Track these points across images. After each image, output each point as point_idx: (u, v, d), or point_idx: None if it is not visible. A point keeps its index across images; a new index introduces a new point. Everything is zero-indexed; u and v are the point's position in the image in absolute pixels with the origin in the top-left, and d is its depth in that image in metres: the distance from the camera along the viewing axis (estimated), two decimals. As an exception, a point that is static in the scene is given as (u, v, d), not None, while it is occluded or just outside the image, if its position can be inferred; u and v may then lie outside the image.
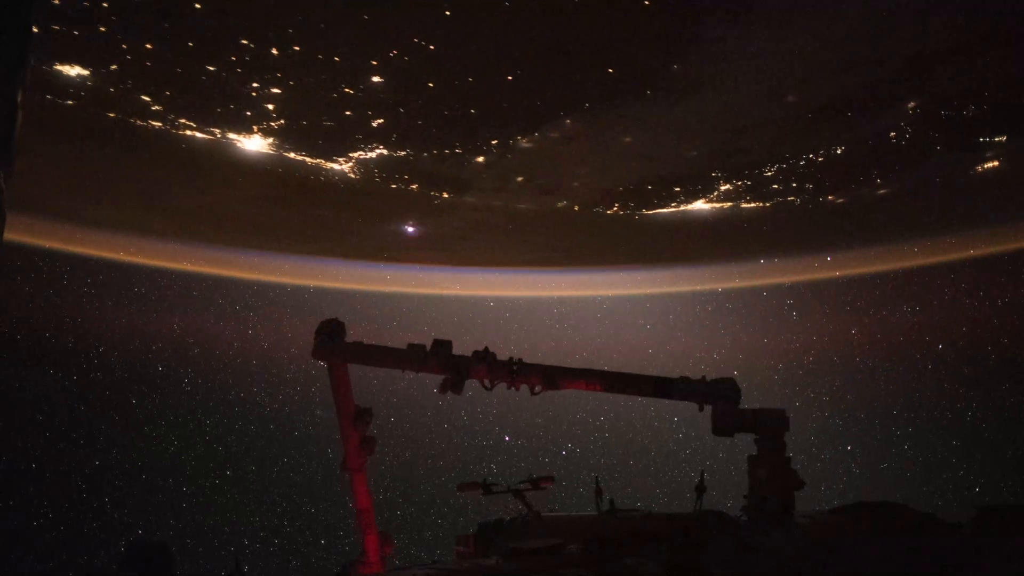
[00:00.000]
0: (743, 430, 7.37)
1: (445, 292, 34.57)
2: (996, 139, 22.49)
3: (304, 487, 28.99)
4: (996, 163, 23.85)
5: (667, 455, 31.58)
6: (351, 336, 8.16)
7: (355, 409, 8.45)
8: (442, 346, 7.76)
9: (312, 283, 33.55)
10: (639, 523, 7.34)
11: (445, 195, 24.76)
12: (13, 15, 4.53)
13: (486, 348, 7.76)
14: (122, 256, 30.20)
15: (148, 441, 28.70)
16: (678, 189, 25.03)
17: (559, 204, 26.17)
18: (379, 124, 19.63)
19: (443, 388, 7.69)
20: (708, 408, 7.48)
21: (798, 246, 32.16)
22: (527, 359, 7.83)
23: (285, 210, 26.55)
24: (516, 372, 7.65)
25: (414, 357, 7.80)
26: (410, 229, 28.41)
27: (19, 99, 4.91)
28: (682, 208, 26.41)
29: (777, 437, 7.29)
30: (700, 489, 7.48)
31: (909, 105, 19.86)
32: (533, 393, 7.77)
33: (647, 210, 26.62)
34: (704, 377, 7.59)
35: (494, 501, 7.85)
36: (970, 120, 20.75)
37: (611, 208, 26.53)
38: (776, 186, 24.96)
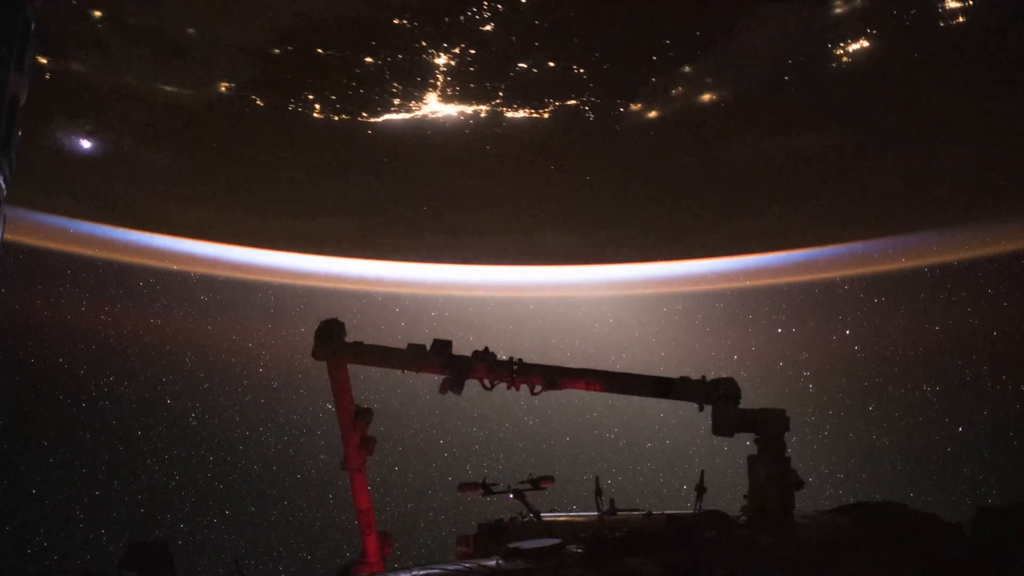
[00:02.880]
0: (743, 430, 7.37)
1: (444, 293, 34.36)
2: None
3: (302, 532, 28.82)
4: (864, 43, 16.40)
5: (667, 455, 31.50)
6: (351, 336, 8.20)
7: (355, 409, 8.49)
8: (442, 346, 7.79)
9: (319, 284, 33.44)
10: (639, 523, 7.34)
11: (41, 59, 18.18)
12: (12, 19, 4.55)
13: (486, 348, 7.78)
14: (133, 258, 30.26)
15: (150, 475, 28.63)
16: (372, 60, 18.07)
17: (222, 87, 19.86)
18: None
19: (443, 388, 7.71)
20: (708, 408, 7.49)
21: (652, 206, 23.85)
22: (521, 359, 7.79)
23: None
24: (516, 372, 7.66)
25: (414, 357, 7.82)
26: (84, 143, 22.57)
27: (20, 102, 4.93)
28: (419, 113, 19.87)
29: (777, 437, 7.30)
30: (700, 489, 7.48)
31: None
32: (533, 393, 7.78)
33: (368, 114, 20.09)
34: (704, 377, 7.60)
35: (494, 501, 7.85)
36: None
37: (311, 106, 19.79)
38: (524, 64, 17.73)
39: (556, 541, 6.62)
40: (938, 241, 28.44)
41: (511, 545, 6.55)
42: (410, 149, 21.32)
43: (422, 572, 6.18)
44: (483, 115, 19.91)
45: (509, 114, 19.80)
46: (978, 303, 29.60)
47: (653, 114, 19.86)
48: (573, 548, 6.63)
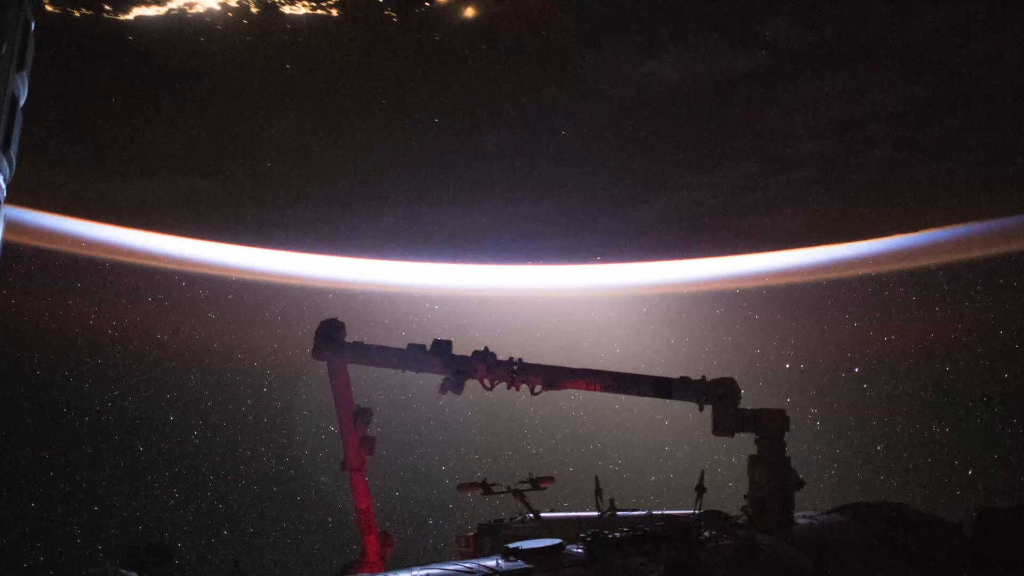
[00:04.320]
0: (743, 430, 7.38)
1: (446, 293, 34.11)
2: None
3: (301, 554, 28.54)
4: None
5: (672, 488, 31.24)
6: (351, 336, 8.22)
7: (355, 409, 8.49)
8: (442, 346, 7.81)
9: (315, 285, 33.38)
10: (639, 523, 7.31)
11: None
12: (12, 18, 4.64)
13: (486, 348, 7.81)
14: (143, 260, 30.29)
15: (149, 492, 28.57)
16: None
17: None
18: None
19: (443, 388, 7.72)
20: (708, 408, 7.51)
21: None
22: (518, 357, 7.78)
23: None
24: (516, 372, 7.68)
25: (414, 357, 7.85)
26: None
27: (20, 102, 5.01)
28: (174, 6, 15.94)
29: (777, 437, 7.31)
30: (700, 489, 7.45)
31: None
32: (533, 393, 7.78)
33: (111, 7, 15.95)
34: (704, 377, 7.63)
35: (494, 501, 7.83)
36: None
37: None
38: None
39: (556, 541, 6.61)
40: (911, 249, 28.37)
41: (511, 545, 6.54)
42: (190, 65, 17.12)
43: (422, 572, 6.17)
44: (254, 10, 16.16)
45: (287, 9, 16.13)
46: (990, 343, 29.55)
47: (470, 12, 16.06)
48: (573, 548, 6.61)
